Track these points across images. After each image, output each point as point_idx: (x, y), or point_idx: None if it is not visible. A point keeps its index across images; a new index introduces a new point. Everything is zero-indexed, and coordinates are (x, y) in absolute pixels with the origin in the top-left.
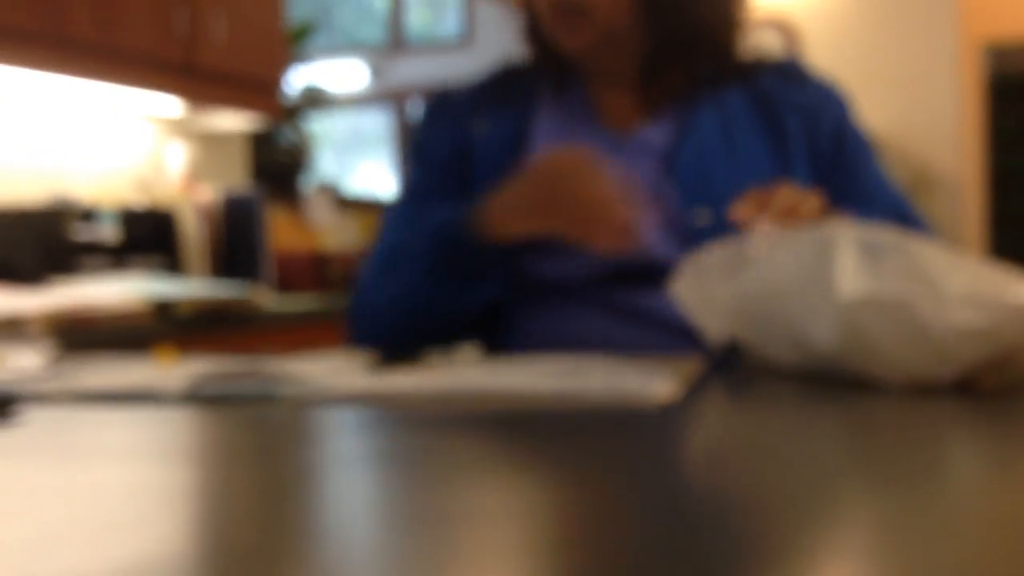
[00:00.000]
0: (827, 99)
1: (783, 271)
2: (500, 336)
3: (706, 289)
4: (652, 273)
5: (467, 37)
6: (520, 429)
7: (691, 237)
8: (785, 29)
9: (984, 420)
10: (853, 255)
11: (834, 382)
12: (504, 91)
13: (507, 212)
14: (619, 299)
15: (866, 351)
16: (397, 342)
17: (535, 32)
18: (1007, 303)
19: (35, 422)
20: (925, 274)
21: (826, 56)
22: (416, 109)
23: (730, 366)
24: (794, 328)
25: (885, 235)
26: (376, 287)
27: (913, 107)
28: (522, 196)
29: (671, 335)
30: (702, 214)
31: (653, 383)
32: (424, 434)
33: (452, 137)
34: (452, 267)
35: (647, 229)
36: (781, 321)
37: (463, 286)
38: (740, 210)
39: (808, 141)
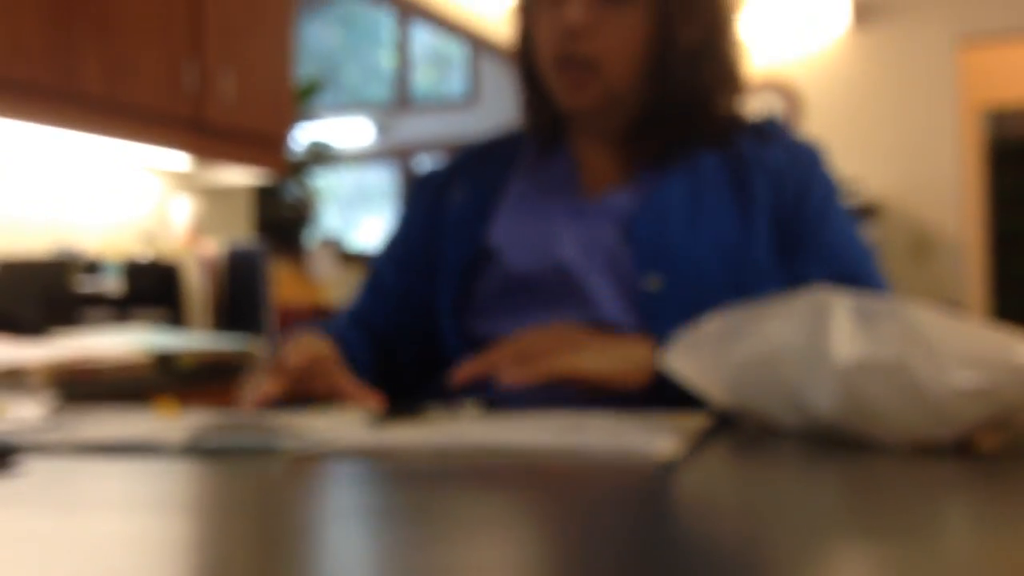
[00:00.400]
0: (796, 159)
1: (779, 337)
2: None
3: (702, 359)
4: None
5: (472, 96)
6: (520, 485)
7: (643, 303)
8: (786, 92)
9: (983, 480)
10: (848, 319)
11: (835, 442)
12: (483, 160)
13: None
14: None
15: (865, 414)
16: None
17: (532, 89)
18: (1005, 363)
19: (35, 472)
20: (921, 336)
21: (827, 120)
22: (420, 166)
23: (732, 424)
24: (793, 393)
25: (879, 300)
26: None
27: (914, 170)
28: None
29: (623, 400)
30: (655, 280)
31: (655, 440)
32: (423, 489)
33: (426, 212)
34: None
35: (601, 293)
36: (780, 387)
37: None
38: (462, 372)
39: (774, 202)
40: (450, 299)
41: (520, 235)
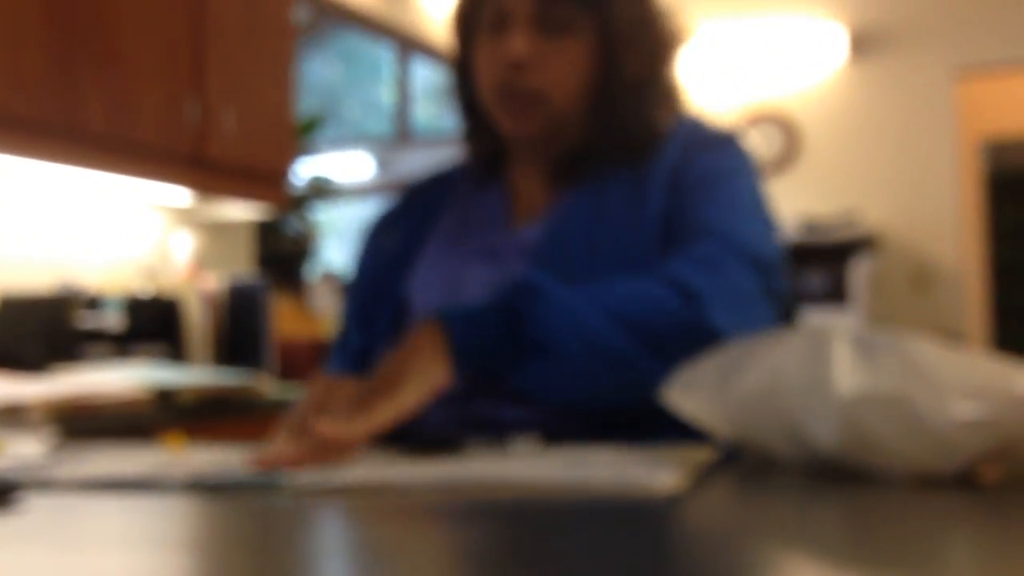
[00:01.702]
0: (687, 151)
1: (780, 370)
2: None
3: (703, 393)
4: (495, 429)
5: None
6: (524, 519)
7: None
8: (783, 125)
9: (985, 512)
10: (848, 352)
11: (837, 475)
12: (418, 201)
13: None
14: (477, 409)
15: (867, 447)
16: None
17: (472, 118)
18: (1005, 394)
19: (36, 510)
20: (921, 368)
21: (825, 152)
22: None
23: (735, 457)
24: (794, 427)
25: (879, 333)
26: None
27: (913, 202)
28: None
29: (638, 432)
30: None
31: (658, 473)
32: (425, 524)
33: (368, 259)
34: None
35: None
36: (781, 420)
37: None
38: (265, 457)
39: (664, 199)
40: (391, 331)
41: (432, 280)
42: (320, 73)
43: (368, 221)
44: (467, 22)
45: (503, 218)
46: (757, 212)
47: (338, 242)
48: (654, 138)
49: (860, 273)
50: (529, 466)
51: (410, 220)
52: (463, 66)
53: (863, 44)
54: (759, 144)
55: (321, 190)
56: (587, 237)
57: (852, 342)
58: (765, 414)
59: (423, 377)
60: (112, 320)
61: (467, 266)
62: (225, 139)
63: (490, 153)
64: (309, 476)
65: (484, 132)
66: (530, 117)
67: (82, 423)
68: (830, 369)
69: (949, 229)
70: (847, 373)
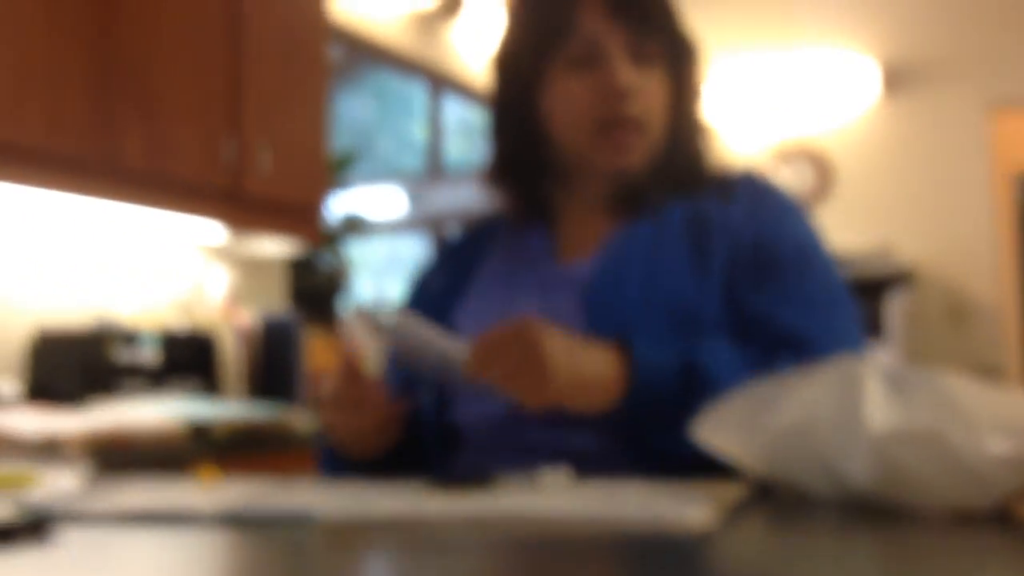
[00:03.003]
0: (757, 211)
1: (812, 407)
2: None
3: (735, 429)
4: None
5: None
6: (555, 554)
7: None
8: (817, 162)
9: (1022, 548)
10: (880, 388)
11: (871, 511)
12: (461, 247)
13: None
14: (531, 438)
15: (901, 483)
16: None
17: (530, 155)
18: None
19: (71, 542)
20: (954, 404)
21: (859, 188)
22: (451, 234)
23: (768, 493)
24: (828, 463)
25: (912, 368)
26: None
27: (949, 236)
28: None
29: (587, 468)
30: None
31: (689, 509)
32: (456, 559)
33: (417, 306)
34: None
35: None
36: (814, 456)
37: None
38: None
39: (728, 259)
40: (433, 391)
41: (483, 316)
42: (353, 110)
43: (414, 275)
44: (536, 57)
45: (549, 255)
46: (833, 302)
47: (371, 277)
48: (708, 174)
49: (895, 308)
50: (560, 500)
51: (451, 267)
52: (524, 102)
53: (896, 79)
54: (791, 180)
55: (354, 225)
56: (641, 274)
57: (884, 378)
58: (797, 450)
59: (596, 394)
60: (148, 355)
61: (516, 297)
62: (260, 175)
63: (535, 190)
64: (340, 510)
65: (533, 168)
66: (633, 150)
67: (117, 456)
68: (862, 405)
69: (985, 263)
70: (880, 409)
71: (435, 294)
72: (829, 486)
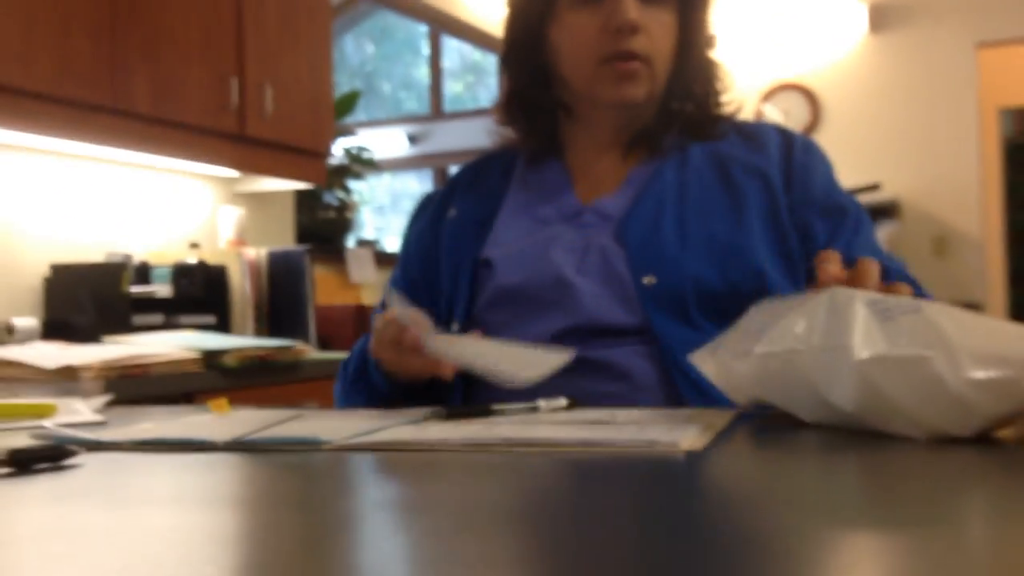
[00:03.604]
0: (810, 159)
1: (800, 334)
2: (461, 397)
3: (726, 358)
4: (603, 334)
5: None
6: (548, 476)
7: (643, 301)
8: (806, 97)
9: (1004, 470)
10: (866, 316)
11: (857, 433)
12: (476, 177)
13: (380, 351)
14: (577, 383)
15: (885, 409)
16: None
17: (541, 93)
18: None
19: (88, 469)
20: (939, 332)
21: (847, 123)
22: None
23: (756, 418)
24: (814, 388)
25: (896, 297)
26: (347, 394)
27: (934, 170)
28: (380, 336)
29: (631, 387)
30: (650, 279)
31: (679, 432)
32: (458, 482)
33: (425, 231)
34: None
35: (593, 296)
36: (801, 382)
37: (410, 398)
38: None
39: (768, 210)
40: (461, 316)
41: (516, 244)
42: (355, 52)
43: (417, 202)
44: None
45: (568, 188)
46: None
47: (375, 213)
48: (722, 114)
49: (881, 239)
50: (556, 427)
51: (472, 195)
52: (537, 43)
53: (882, 18)
54: (780, 118)
55: (358, 160)
56: (675, 211)
57: (872, 306)
58: (785, 376)
59: None
60: (160, 289)
61: (549, 231)
62: (265, 118)
63: (547, 126)
64: (346, 436)
65: (544, 104)
66: (638, 82)
67: (132, 386)
68: (849, 332)
69: (970, 197)
70: (864, 335)
71: (466, 223)
72: (816, 410)
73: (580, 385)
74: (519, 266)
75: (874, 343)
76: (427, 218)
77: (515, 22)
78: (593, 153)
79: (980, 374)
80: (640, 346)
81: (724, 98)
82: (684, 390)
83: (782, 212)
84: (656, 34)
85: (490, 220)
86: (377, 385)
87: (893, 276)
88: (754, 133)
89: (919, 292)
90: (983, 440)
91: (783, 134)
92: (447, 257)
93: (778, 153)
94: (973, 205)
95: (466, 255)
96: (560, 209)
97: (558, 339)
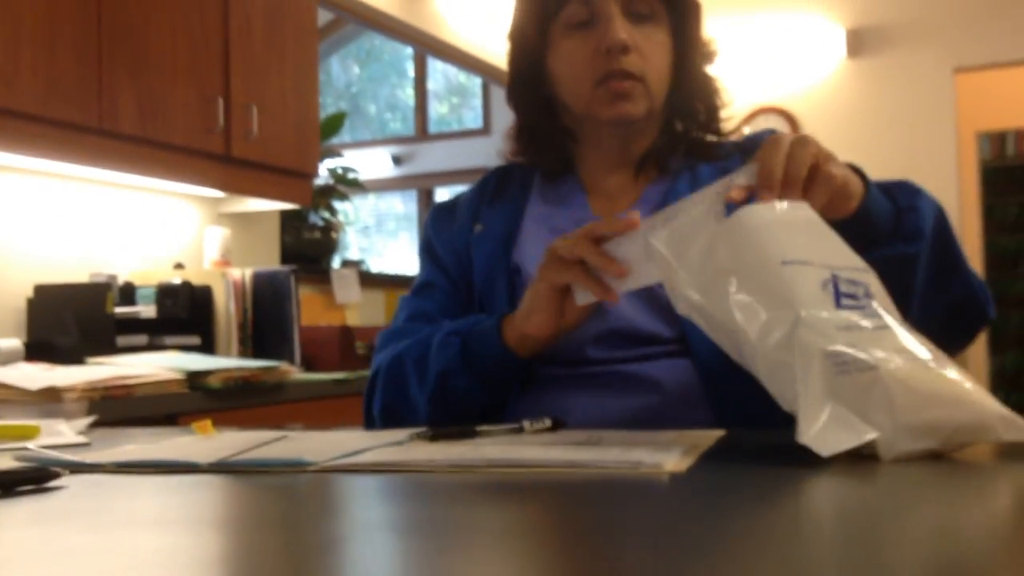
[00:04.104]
0: None
1: (746, 330)
2: (495, 415)
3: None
4: (638, 341)
5: (485, 127)
6: (532, 498)
7: (667, 310)
8: (787, 118)
9: (978, 485)
10: (821, 369)
11: (841, 455)
12: (497, 192)
13: (526, 318)
14: (602, 372)
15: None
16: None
17: (546, 116)
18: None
19: (72, 491)
20: (888, 400)
21: (826, 144)
22: (424, 225)
23: (741, 440)
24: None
25: (855, 353)
26: (409, 393)
27: None
28: (536, 292)
29: (663, 400)
30: None
31: (663, 454)
32: (441, 502)
33: (452, 242)
34: (492, 375)
35: (625, 304)
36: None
37: (504, 386)
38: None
39: None
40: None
41: (539, 256)
42: (341, 73)
43: (435, 210)
44: (541, 24)
45: (583, 202)
46: None
47: (360, 234)
48: (724, 135)
49: None
50: (541, 448)
51: (497, 206)
52: (537, 67)
53: (860, 43)
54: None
55: (344, 181)
56: None
57: (830, 358)
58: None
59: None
60: (145, 309)
61: None
62: (251, 139)
63: (559, 151)
64: (331, 457)
65: (556, 131)
66: (633, 100)
67: (116, 407)
68: (800, 379)
69: (949, 219)
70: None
71: (494, 239)
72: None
73: (609, 402)
74: None
75: (821, 405)
76: (454, 227)
77: (516, 56)
78: (604, 172)
79: (908, 447)
80: (674, 358)
81: (724, 114)
82: (716, 400)
83: None
84: (649, 52)
85: (514, 233)
86: (487, 368)
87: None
88: (752, 148)
89: (914, 203)
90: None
91: (772, 133)
92: (479, 271)
93: None
94: (952, 228)
95: (499, 267)
96: (579, 222)
97: (597, 343)
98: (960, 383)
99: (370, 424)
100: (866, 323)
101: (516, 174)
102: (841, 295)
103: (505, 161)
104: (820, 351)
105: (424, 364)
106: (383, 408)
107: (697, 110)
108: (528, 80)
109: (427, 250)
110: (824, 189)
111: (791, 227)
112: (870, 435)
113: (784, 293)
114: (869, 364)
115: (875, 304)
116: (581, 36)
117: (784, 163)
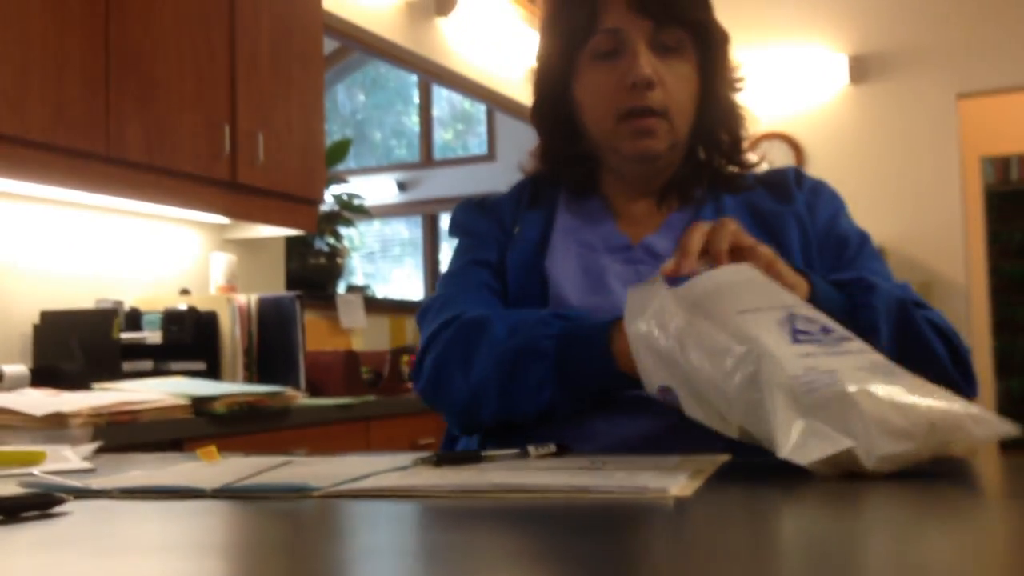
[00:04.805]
0: (816, 199)
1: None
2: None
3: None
4: None
5: (489, 154)
6: (538, 522)
7: None
8: (791, 144)
9: (963, 504)
10: (785, 401)
11: (843, 479)
12: (533, 198)
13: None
14: (620, 396)
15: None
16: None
17: (570, 144)
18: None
19: (77, 516)
20: (859, 412)
21: (828, 172)
22: (454, 216)
23: (746, 464)
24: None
25: (817, 375)
26: (483, 367)
27: (917, 218)
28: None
29: (681, 423)
30: None
31: (668, 479)
32: (448, 528)
33: (493, 231)
34: (577, 376)
35: None
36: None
37: (579, 394)
38: (672, 266)
39: (802, 245)
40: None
41: (570, 268)
42: (347, 101)
43: (476, 204)
44: (567, 53)
45: (610, 221)
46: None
47: (365, 260)
48: (748, 160)
49: None
50: (546, 473)
51: (531, 215)
52: (561, 96)
53: (863, 70)
54: (766, 165)
55: (349, 207)
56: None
57: (792, 382)
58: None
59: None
60: (151, 335)
61: (601, 261)
62: (257, 166)
63: (583, 176)
64: (336, 483)
65: (580, 158)
66: (656, 136)
67: (122, 433)
68: (772, 417)
69: (954, 245)
70: (785, 420)
71: (529, 242)
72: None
73: (626, 424)
74: (578, 291)
75: (792, 421)
76: (495, 221)
77: (541, 79)
78: (627, 197)
79: (888, 449)
80: None
81: (746, 144)
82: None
83: (812, 244)
84: (673, 87)
85: (546, 239)
86: (584, 376)
87: (883, 291)
88: (776, 182)
89: (868, 300)
90: (929, 474)
91: (797, 174)
92: (513, 273)
93: (795, 188)
94: (957, 252)
95: (533, 273)
96: (606, 240)
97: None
98: (925, 386)
99: (416, 376)
100: (826, 348)
101: (545, 184)
102: (797, 331)
103: (526, 175)
104: (786, 377)
105: (516, 332)
106: (442, 354)
107: (721, 139)
108: (552, 104)
109: (467, 231)
110: (756, 255)
111: (740, 284)
112: (846, 443)
113: (745, 336)
114: (834, 380)
115: (835, 332)
116: (607, 67)
117: (702, 238)
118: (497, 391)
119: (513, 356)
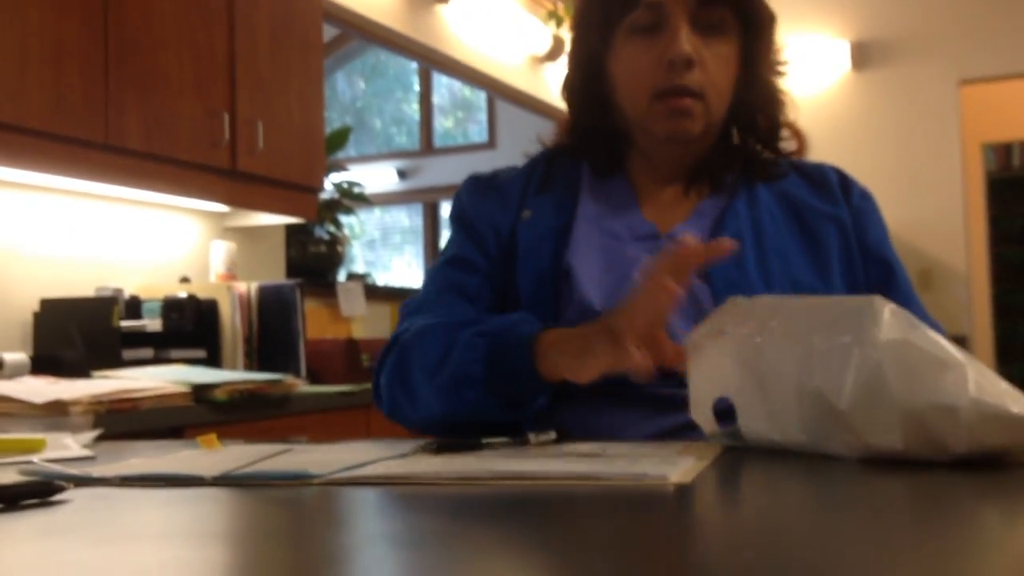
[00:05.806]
0: (866, 213)
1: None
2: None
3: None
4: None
5: (490, 141)
6: (538, 510)
7: None
8: (792, 130)
9: (981, 495)
10: (864, 370)
11: (845, 463)
12: (545, 179)
13: (574, 359)
14: (637, 394)
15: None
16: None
17: (601, 119)
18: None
19: (77, 504)
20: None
21: (832, 156)
22: (458, 194)
23: (745, 450)
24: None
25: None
26: (426, 399)
27: (918, 204)
28: (587, 343)
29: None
30: None
31: (668, 466)
32: (447, 515)
33: (496, 218)
34: (511, 395)
35: (675, 324)
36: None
37: (520, 408)
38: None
39: (844, 254)
40: (540, 319)
41: (593, 258)
42: (347, 89)
43: (477, 182)
44: (605, 24)
45: (635, 207)
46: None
47: (365, 248)
48: (782, 151)
49: None
50: (546, 460)
51: (545, 199)
52: (596, 71)
53: (864, 56)
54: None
55: (349, 195)
56: (754, 249)
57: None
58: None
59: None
60: (151, 323)
61: (626, 250)
62: (257, 155)
63: (609, 153)
64: (337, 470)
65: (608, 135)
66: (691, 118)
67: (122, 420)
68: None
69: (955, 231)
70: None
71: (543, 229)
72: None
73: (642, 422)
74: (601, 284)
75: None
76: (498, 205)
77: (576, 51)
78: (655, 181)
79: (990, 400)
80: None
81: (785, 132)
82: None
83: (855, 256)
84: (712, 68)
85: (567, 228)
86: (507, 385)
87: None
88: (814, 174)
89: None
90: (951, 465)
91: (841, 175)
92: (527, 261)
93: (841, 195)
94: (958, 239)
95: (548, 265)
96: (631, 228)
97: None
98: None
99: (376, 397)
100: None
101: (563, 163)
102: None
103: (544, 147)
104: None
105: (447, 359)
106: (390, 383)
107: (758, 124)
108: (586, 77)
109: (462, 221)
110: None
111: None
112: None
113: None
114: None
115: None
116: (645, 42)
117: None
118: (444, 419)
119: (449, 384)
